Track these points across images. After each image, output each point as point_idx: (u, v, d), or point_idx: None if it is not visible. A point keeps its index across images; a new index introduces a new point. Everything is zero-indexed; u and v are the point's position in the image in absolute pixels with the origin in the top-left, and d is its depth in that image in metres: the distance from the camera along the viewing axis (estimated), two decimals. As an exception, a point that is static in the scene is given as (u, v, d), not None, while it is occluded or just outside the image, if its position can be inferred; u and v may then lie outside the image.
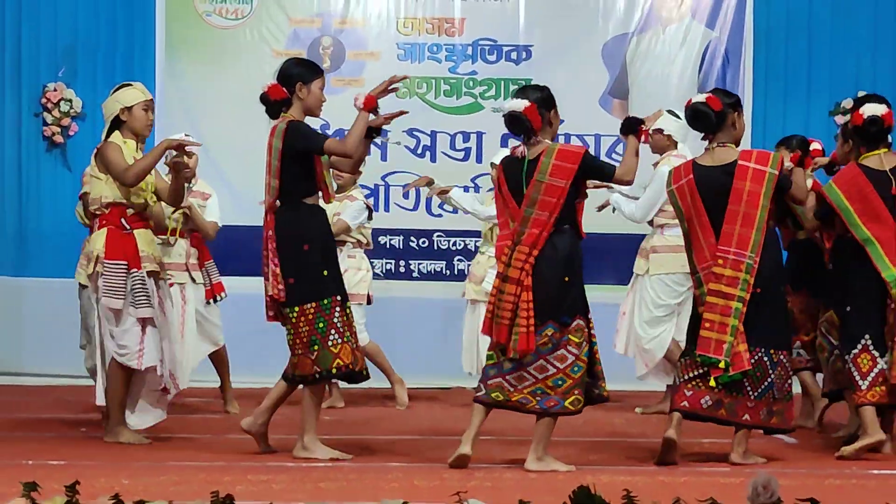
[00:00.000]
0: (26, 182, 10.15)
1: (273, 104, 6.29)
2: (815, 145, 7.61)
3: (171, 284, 7.67)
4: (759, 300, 6.13)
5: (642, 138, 6.13)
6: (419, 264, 10.10)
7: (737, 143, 6.31)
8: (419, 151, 10.08)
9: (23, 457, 6.11)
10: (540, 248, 5.92)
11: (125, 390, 6.63)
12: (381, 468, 5.97)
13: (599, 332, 9.49)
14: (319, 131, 6.35)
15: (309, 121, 6.39)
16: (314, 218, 6.27)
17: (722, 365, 6.05)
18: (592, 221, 9.51)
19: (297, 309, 6.19)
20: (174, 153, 6.60)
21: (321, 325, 6.18)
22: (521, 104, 6.00)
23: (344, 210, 8.25)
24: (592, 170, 6.03)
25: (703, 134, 6.33)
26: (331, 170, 6.40)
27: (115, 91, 6.76)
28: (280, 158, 6.21)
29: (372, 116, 6.26)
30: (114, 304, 6.54)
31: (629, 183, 6.24)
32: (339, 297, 6.23)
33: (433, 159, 10.06)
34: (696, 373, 6.16)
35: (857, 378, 6.38)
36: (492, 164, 8.19)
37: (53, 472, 5.38)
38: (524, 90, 6.16)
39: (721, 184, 6.15)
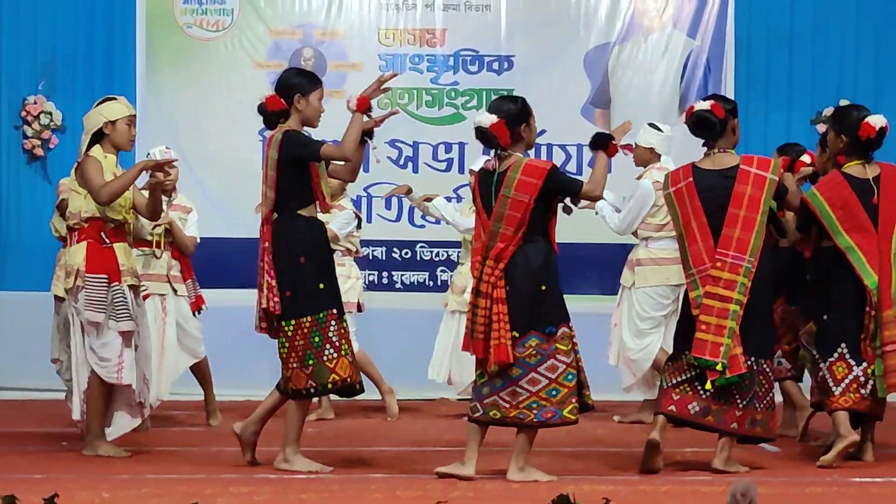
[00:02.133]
0: (6, 195, 10.16)
1: (271, 115, 6.27)
2: (805, 157, 7.67)
3: (147, 296, 7.71)
4: (749, 308, 6.17)
5: (612, 153, 6.12)
6: (402, 275, 10.13)
7: (734, 148, 6.37)
8: (401, 162, 10.11)
9: (2, 470, 6.12)
10: (507, 261, 5.92)
11: (105, 403, 6.66)
12: (363, 479, 6.00)
13: (585, 342, 9.58)
14: (313, 139, 6.30)
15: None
16: (310, 230, 6.26)
17: (719, 367, 6.08)
18: (576, 231, 9.68)
19: (293, 322, 6.18)
20: (153, 173, 6.63)
21: (317, 339, 6.17)
22: (488, 120, 5.98)
23: (332, 219, 8.29)
24: (558, 185, 6.00)
25: (703, 140, 6.36)
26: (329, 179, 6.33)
27: (98, 104, 6.76)
28: (276, 168, 6.20)
29: (364, 118, 6.23)
30: (95, 317, 6.57)
31: (598, 198, 6.25)
32: (335, 311, 6.23)
33: (415, 170, 10.10)
34: (683, 377, 6.19)
35: (831, 384, 6.43)
36: (470, 170, 8.25)
37: (34, 485, 5.38)
38: (498, 102, 6.14)
39: (722, 187, 6.21)
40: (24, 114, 10.08)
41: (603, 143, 6.12)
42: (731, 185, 6.20)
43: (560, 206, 6.11)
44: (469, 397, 6.35)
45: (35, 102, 10.06)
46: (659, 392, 6.35)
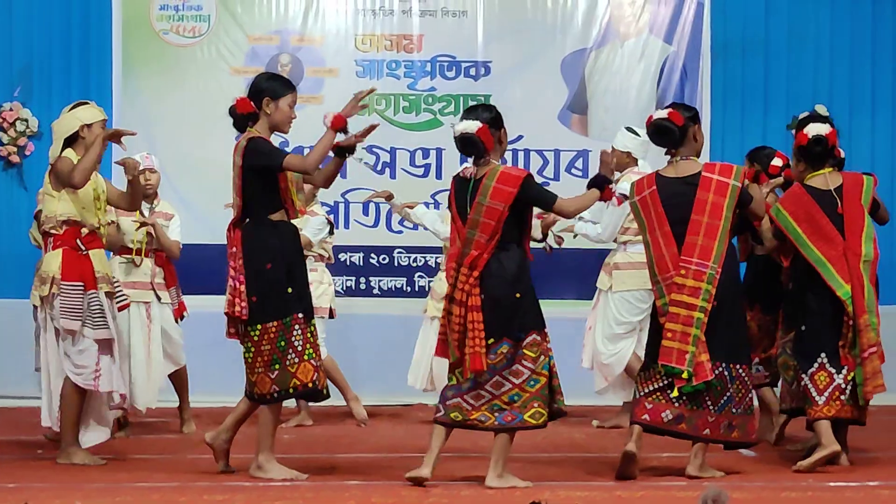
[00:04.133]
0: (-19, 203, 10.11)
1: (240, 118, 6.27)
2: (776, 161, 7.64)
3: (127, 305, 7.66)
4: (716, 313, 6.17)
5: (607, 197, 6.18)
6: (379, 281, 10.10)
7: (698, 155, 6.38)
8: (379, 168, 10.09)
9: (-24, 480, 6.09)
10: (481, 269, 5.92)
11: (79, 411, 6.62)
12: (338, 486, 5.98)
13: (563, 347, 9.56)
14: (279, 148, 6.31)
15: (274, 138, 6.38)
16: (278, 234, 6.23)
17: (685, 375, 6.09)
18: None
19: (259, 327, 6.16)
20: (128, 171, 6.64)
21: (282, 343, 6.15)
22: (473, 125, 5.99)
23: (305, 225, 8.26)
24: (532, 195, 6.00)
25: (665, 149, 6.37)
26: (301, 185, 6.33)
27: (71, 108, 6.75)
28: (240, 175, 6.21)
29: (341, 136, 6.21)
30: (71, 325, 6.55)
31: (568, 216, 6.27)
32: (300, 315, 6.19)
33: (392, 176, 10.07)
34: (656, 386, 6.20)
35: (814, 394, 6.44)
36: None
37: (7, 494, 5.34)
38: (474, 110, 6.14)
39: (684, 194, 6.21)
40: (-1, 121, 10.03)
41: (601, 184, 6.12)
42: (694, 192, 6.20)
43: (542, 246, 6.14)
44: None
45: (11, 109, 10.00)
46: (633, 401, 6.35)
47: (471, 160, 6.11)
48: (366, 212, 9.99)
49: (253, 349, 6.19)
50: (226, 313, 6.22)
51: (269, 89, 6.26)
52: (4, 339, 9.31)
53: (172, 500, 5.36)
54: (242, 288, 6.15)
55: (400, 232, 10.00)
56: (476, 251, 5.93)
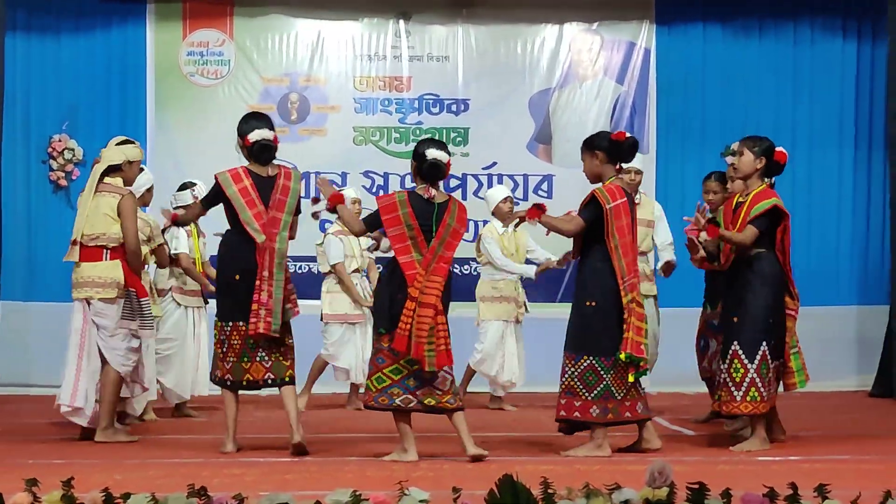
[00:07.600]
0: (35, 220, 10.05)
1: (273, 153, 6.27)
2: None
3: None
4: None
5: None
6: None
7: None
8: (374, 190, 10.07)
9: (28, 457, 6.05)
10: (446, 279, 5.91)
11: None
12: (339, 461, 5.95)
13: (541, 341, 9.50)
14: None
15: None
16: None
17: (643, 364, 6.06)
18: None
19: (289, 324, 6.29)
20: None
21: None
22: (445, 157, 5.99)
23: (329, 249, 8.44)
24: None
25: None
26: None
27: (119, 143, 6.75)
28: (298, 200, 6.22)
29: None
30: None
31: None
32: None
33: (386, 196, 10.07)
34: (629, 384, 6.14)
35: (762, 388, 6.25)
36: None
37: (55, 470, 5.29)
38: (442, 145, 6.08)
39: (631, 208, 6.18)
40: (50, 150, 9.98)
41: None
42: (634, 208, 6.20)
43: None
44: None
45: (60, 140, 9.97)
46: (585, 401, 6.14)
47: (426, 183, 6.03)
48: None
49: (289, 341, 6.24)
50: (293, 316, 6.23)
51: None
52: (54, 335, 9.21)
53: (197, 473, 5.32)
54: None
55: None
56: (446, 264, 5.91)
